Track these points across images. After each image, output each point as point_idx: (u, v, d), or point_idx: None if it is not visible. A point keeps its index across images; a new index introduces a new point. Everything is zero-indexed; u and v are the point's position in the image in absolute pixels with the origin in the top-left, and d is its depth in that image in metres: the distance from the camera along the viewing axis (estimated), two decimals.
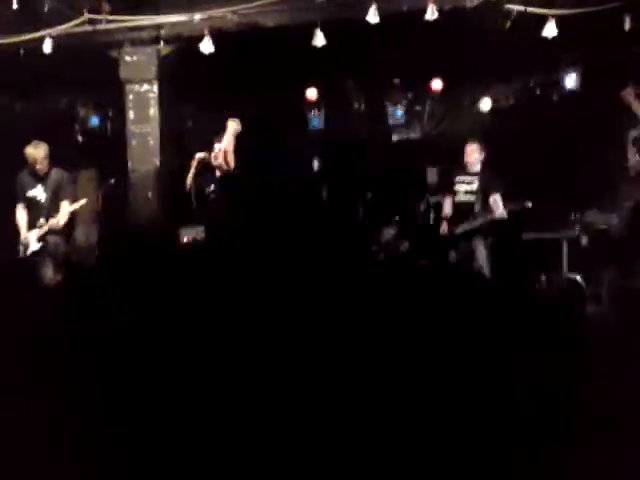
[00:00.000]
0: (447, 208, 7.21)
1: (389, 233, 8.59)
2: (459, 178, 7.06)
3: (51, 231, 6.39)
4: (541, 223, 7.65)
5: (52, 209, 6.48)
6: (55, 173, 6.57)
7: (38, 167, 6.47)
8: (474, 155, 6.97)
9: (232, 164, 6.23)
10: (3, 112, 8.60)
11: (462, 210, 6.99)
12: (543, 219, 7.57)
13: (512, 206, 6.75)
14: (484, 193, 6.87)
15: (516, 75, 8.48)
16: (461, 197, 7.04)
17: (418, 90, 8.78)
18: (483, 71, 8.02)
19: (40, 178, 6.52)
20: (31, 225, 6.49)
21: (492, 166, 7.04)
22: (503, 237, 7.07)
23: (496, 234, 6.91)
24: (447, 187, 7.31)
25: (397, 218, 9.02)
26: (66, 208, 6.47)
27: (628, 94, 6.38)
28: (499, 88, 8.67)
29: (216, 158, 6.24)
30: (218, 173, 6.29)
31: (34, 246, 6.36)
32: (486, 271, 6.76)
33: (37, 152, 6.44)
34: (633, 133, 6.72)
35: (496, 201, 6.77)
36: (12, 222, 6.61)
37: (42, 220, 6.42)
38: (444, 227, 7.13)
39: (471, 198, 6.95)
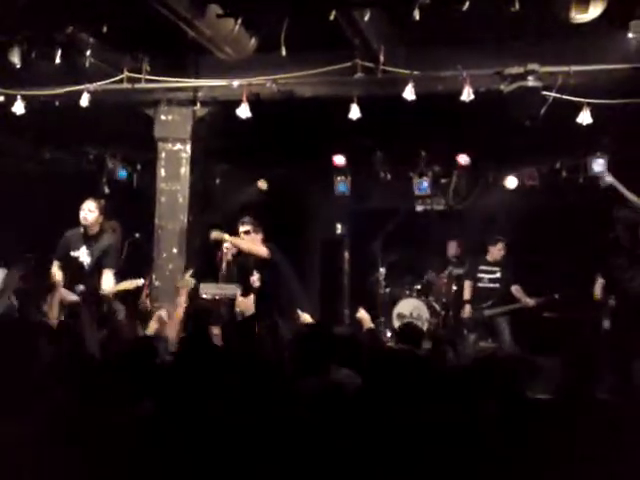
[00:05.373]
0: (467, 294, 7.96)
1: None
2: (482, 267, 7.85)
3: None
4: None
5: (94, 276, 5.97)
6: (106, 238, 6.15)
7: (87, 226, 6.03)
8: (501, 252, 7.80)
9: (262, 252, 6.39)
10: (33, 161, 8.66)
11: (486, 295, 7.80)
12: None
13: (539, 300, 7.62)
14: (507, 282, 7.74)
15: (544, 156, 8.54)
16: (485, 283, 7.82)
17: (445, 164, 8.84)
18: (511, 150, 8.10)
19: (88, 239, 6.07)
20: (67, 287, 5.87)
21: (514, 258, 7.87)
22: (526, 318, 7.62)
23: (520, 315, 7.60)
24: (470, 274, 8.07)
25: (419, 287, 9.05)
26: (110, 279, 5.92)
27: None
28: (526, 168, 8.72)
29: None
30: None
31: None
32: (508, 346, 7.39)
33: (87, 208, 6.03)
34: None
35: (518, 290, 7.68)
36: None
37: (82, 287, 5.89)
38: (467, 310, 7.86)
39: (495, 285, 7.78)
